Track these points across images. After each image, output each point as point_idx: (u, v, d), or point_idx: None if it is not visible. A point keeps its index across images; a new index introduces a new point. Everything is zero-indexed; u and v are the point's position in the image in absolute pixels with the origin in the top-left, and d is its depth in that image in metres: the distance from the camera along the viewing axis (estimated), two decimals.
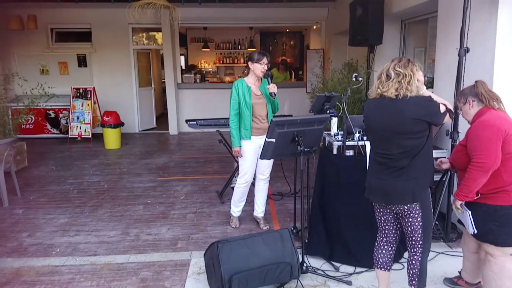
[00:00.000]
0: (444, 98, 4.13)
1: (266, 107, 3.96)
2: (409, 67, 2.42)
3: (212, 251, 3.01)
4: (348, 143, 3.56)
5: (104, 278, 3.26)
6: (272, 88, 3.84)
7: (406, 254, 3.22)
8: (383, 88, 2.46)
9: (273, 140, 3.11)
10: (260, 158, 3.33)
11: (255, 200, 4.26)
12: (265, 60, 3.84)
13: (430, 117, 2.39)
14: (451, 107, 2.53)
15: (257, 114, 3.92)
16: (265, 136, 3.93)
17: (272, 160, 4.06)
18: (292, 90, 10.07)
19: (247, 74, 4.01)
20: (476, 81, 2.64)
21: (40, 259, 3.60)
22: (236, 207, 4.22)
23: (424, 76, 2.55)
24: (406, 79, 2.40)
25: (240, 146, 3.91)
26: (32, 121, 8.85)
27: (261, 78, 3.97)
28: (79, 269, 3.42)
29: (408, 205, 2.49)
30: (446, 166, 2.89)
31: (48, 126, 9.15)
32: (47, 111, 9.00)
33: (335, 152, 3.67)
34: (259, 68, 3.84)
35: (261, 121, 3.94)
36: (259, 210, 4.26)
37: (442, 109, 2.44)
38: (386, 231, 2.73)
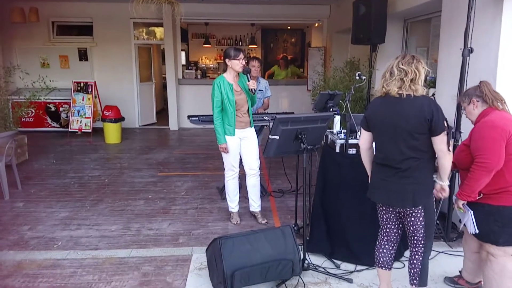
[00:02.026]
0: (446, 98, 4.17)
1: (246, 102, 4.03)
2: (413, 64, 2.39)
3: (214, 246, 3.02)
4: (350, 141, 3.57)
5: (105, 272, 3.27)
6: (252, 84, 3.92)
7: (407, 253, 3.24)
8: (387, 86, 2.45)
9: (277, 137, 3.12)
10: (263, 155, 3.34)
11: (249, 196, 4.29)
12: (241, 55, 3.90)
13: (434, 122, 2.33)
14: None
15: (239, 109, 3.99)
16: (246, 129, 4.03)
17: (258, 154, 4.11)
18: (293, 87, 10.08)
19: (224, 71, 4.05)
20: (480, 82, 2.65)
21: (41, 252, 3.61)
22: (232, 202, 4.25)
23: (427, 76, 2.52)
24: (408, 76, 2.37)
25: (226, 142, 3.96)
26: (33, 114, 8.82)
27: (238, 74, 4.00)
28: (81, 262, 3.43)
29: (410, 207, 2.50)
30: None
31: (48, 120, 9.13)
32: (48, 105, 8.97)
33: (337, 150, 3.69)
34: (237, 64, 3.88)
35: (242, 115, 4.02)
36: (255, 205, 4.31)
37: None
38: (388, 230, 2.74)
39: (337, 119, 4.07)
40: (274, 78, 10.57)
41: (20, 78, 7.99)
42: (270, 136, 3.15)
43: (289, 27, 13.33)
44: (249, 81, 3.93)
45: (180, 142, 8.45)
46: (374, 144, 2.69)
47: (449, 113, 3.68)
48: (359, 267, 3.34)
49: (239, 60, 3.87)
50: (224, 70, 4.04)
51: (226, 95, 3.88)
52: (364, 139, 2.71)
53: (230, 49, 3.95)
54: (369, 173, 2.75)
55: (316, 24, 10.69)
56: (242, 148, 4.08)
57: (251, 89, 3.93)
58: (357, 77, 3.88)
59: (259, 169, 4.22)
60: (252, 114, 4.18)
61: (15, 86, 8.75)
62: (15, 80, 8.51)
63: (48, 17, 9.13)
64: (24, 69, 7.60)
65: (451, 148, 2.39)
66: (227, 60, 3.93)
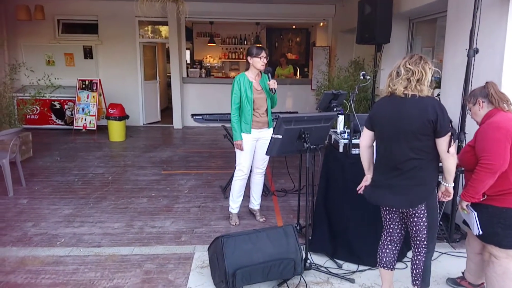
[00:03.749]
0: (451, 99, 4.15)
1: (266, 102, 4.01)
2: (420, 64, 2.38)
3: (216, 245, 3.02)
4: (354, 141, 3.55)
5: (108, 270, 3.28)
6: (273, 84, 3.90)
7: (409, 254, 3.22)
8: (393, 85, 2.44)
9: (280, 136, 3.11)
10: (266, 154, 3.34)
11: (251, 193, 4.32)
12: (263, 54, 3.88)
13: (438, 124, 2.32)
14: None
15: (257, 108, 3.97)
16: (263, 129, 4.01)
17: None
18: (297, 87, 10.07)
19: (247, 69, 4.04)
20: (486, 82, 2.63)
21: (44, 249, 3.62)
22: (235, 203, 4.22)
23: (432, 76, 2.51)
24: (415, 76, 2.36)
25: (242, 140, 3.95)
26: (38, 112, 8.87)
27: (261, 73, 3.99)
28: (84, 260, 3.44)
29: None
30: None
31: (53, 117, 9.17)
32: (53, 102, 9.01)
33: (341, 150, 3.66)
34: (258, 62, 3.88)
35: (260, 115, 4.00)
36: (256, 202, 4.33)
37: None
38: (391, 230, 2.73)
39: (341, 118, 4.04)
40: (278, 77, 10.59)
41: (26, 75, 8.02)
42: (273, 135, 3.14)
43: (294, 27, 13.30)
44: (269, 80, 3.91)
45: (184, 141, 8.47)
46: (374, 144, 2.69)
47: (454, 114, 3.65)
48: (361, 267, 3.33)
49: (260, 58, 3.86)
50: (247, 69, 4.04)
51: (245, 92, 3.88)
52: (365, 137, 2.70)
53: (253, 47, 3.95)
54: (366, 172, 2.75)
55: (321, 24, 10.67)
56: (256, 147, 4.07)
57: (271, 89, 3.91)
58: (362, 77, 3.86)
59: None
60: None
61: (20, 84, 8.79)
62: (20, 77, 8.53)
63: (53, 15, 9.16)
64: (29, 67, 7.63)
65: (452, 149, 2.37)
66: (249, 58, 3.93)
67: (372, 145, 2.70)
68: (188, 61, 12.45)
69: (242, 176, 4.10)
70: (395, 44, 6.20)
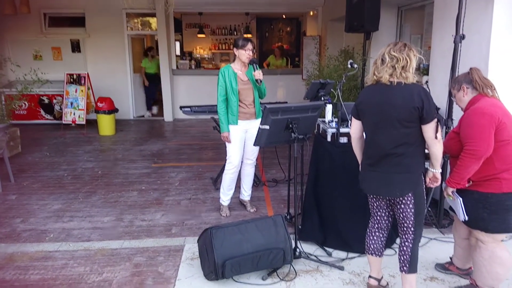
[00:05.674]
0: (439, 85, 4.15)
1: (252, 93, 4.00)
2: (404, 51, 2.37)
3: (205, 236, 3.02)
4: (342, 130, 3.55)
5: (97, 264, 3.27)
6: (258, 75, 3.87)
7: (398, 240, 3.25)
8: (378, 73, 2.43)
9: (267, 127, 3.10)
10: (254, 145, 3.33)
11: (241, 184, 4.32)
12: (249, 46, 3.86)
13: (424, 111, 2.31)
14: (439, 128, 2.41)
15: (244, 99, 3.95)
16: (251, 120, 4.00)
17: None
18: (288, 77, 10.03)
19: (233, 61, 4.03)
20: (470, 68, 2.63)
21: (33, 244, 3.60)
22: (225, 196, 4.22)
23: (420, 64, 2.49)
24: (400, 63, 2.35)
25: (229, 132, 3.93)
26: (26, 107, 8.78)
27: (247, 64, 3.97)
28: (73, 254, 3.42)
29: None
30: None
31: (42, 112, 9.08)
32: (41, 97, 8.92)
33: (329, 139, 3.67)
34: (244, 54, 3.86)
35: (247, 106, 3.98)
36: (246, 194, 4.33)
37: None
38: (378, 218, 2.74)
39: (329, 108, 4.04)
40: (270, 67, 10.54)
41: (12, 70, 7.91)
42: (260, 126, 3.13)
43: (284, 16, 13.22)
44: (255, 71, 3.89)
45: (175, 133, 8.43)
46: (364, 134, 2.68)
47: (442, 101, 3.67)
48: (350, 255, 3.35)
49: (245, 50, 3.84)
50: (233, 60, 4.02)
51: (230, 83, 3.86)
52: (355, 128, 2.69)
53: (239, 39, 3.92)
54: (360, 162, 2.75)
55: (311, 13, 10.61)
56: (246, 138, 4.06)
57: (257, 80, 3.89)
58: (349, 66, 3.85)
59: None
60: None
61: (7, 79, 8.67)
62: (7, 72, 8.43)
63: (39, 8, 9.02)
64: (15, 62, 7.51)
65: (439, 135, 2.37)
66: (235, 50, 3.92)
67: (363, 136, 2.70)
68: (178, 53, 12.34)
69: (232, 169, 4.08)
70: (384, 32, 6.17)
